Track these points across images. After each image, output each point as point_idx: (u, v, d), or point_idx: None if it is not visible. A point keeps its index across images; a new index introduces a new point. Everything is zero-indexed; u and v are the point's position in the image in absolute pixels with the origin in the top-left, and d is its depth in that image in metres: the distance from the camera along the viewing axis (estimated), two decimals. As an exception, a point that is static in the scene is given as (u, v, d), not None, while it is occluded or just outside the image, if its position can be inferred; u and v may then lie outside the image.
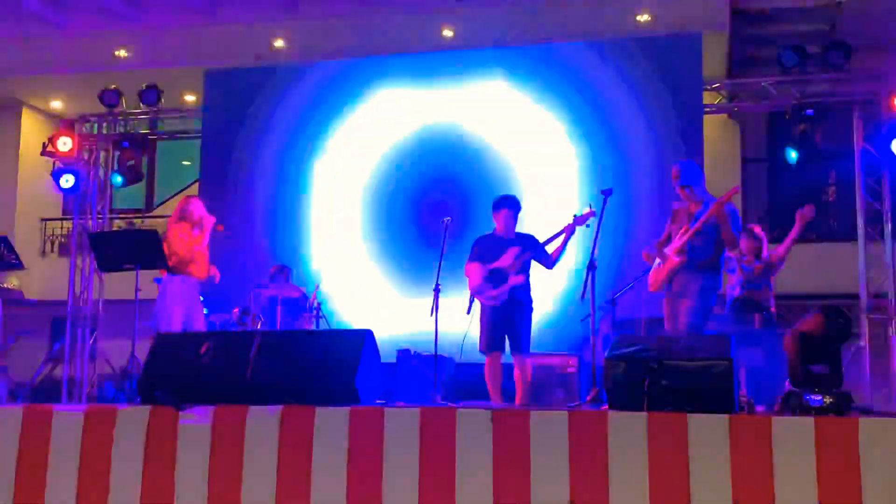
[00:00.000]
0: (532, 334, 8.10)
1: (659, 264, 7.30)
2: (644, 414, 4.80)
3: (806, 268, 12.34)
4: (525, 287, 7.98)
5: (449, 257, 8.05)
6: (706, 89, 11.23)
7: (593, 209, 7.84)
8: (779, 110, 11.51)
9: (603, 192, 7.48)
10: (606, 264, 7.76)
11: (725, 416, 4.68)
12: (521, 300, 7.95)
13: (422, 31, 12.16)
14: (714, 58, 11.87)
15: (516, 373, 7.87)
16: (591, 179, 10.87)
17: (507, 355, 7.96)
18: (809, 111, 10.79)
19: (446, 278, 7.98)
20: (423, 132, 11.71)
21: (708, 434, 4.64)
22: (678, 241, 7.13)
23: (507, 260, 7.97)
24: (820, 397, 5.17)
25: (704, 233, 7.03)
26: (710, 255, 7.08)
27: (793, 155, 10.72)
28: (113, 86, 12.59)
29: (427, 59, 11.95)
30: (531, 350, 8.17)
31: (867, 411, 5.33)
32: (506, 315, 7.92)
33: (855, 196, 10.94)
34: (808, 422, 4.60)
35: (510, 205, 8.18)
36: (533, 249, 8.04)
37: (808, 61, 10.68)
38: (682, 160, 7.64)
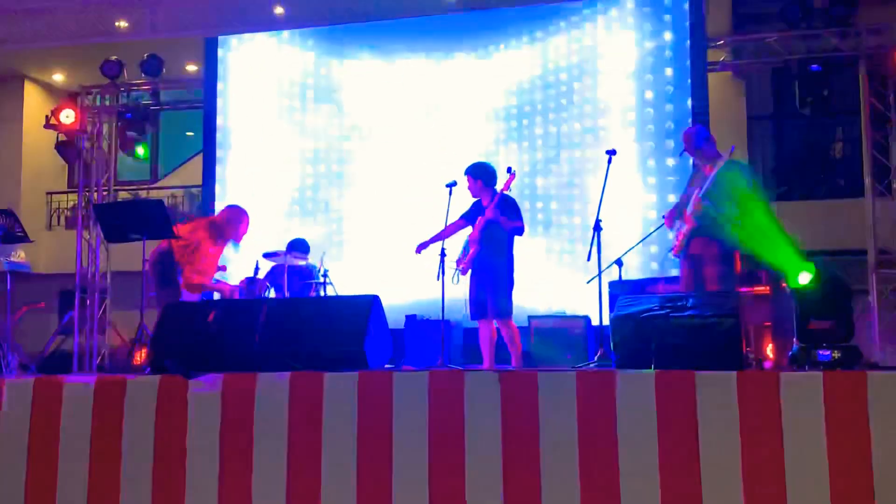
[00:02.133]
0: (540, 296, 8.12)
1: (679, 228, 7.26)
2: (652, 372, 4.81)
3: (813, 225, 12.31)
4: (487, 254, 7.97)
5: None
6: (710, 46, 11.15)
7: (513, 173, 7.92)
8: (784, 66, 11.43)
9: (608, 152, 7.49)
10: (612, 225, 7.72)
11: (733, 373, 4.68)
12: (485, 268, 7.96)
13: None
14: (717, 14, 11.78)
15: (504, 338, 7.91)
16: (595, 140, 10.84)
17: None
18: (815, 66, 10.73)
19: (452, 242, 8.01)
20: (426, 97, 11.67)
21: (716, 391, 4.64)
22: (693, 205, 7.10)
23: (474, 230, 8.01)
24: (829, 352, 5.18)
25: (715, 194, 6.99)
26: (723, 216, 6.98)
27: (808, 101, 10.66)
28: (114, 57, 12.57)
29: (430, 22, 11.89)
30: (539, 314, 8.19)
31: (875, 366, 5.33)
32: (477, 283, 7.99)
33: (862, 152, 10.90)
34: (817, 376, 4.60)
35: (468, 172, 8.17)
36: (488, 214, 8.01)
37: (812, 16, 10.62)
38: (687, 129, 7.62)
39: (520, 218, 7.98)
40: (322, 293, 9.57)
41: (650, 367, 4.97)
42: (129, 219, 7.16)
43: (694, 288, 7.03)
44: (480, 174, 8.14)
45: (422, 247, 8.04)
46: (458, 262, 8.08)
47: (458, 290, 8.08)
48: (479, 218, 7.94)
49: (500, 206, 7.89)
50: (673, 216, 7.39)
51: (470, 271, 8.05)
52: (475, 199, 8.19)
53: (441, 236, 8.00)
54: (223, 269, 8.75)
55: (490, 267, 7.95)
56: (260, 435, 5.23)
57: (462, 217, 8.16)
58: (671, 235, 7.49)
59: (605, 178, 7.40)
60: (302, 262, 9.80)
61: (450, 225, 8.04)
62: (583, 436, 4.76)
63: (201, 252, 7.97)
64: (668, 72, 10.78)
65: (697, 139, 7.30)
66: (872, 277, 10.57)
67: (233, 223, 8.37)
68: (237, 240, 8.41)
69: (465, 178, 8.13)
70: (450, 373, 5.19)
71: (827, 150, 14.42)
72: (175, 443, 5.31)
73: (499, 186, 8.00)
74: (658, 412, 4.67)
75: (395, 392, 5.08)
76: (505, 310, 7.91)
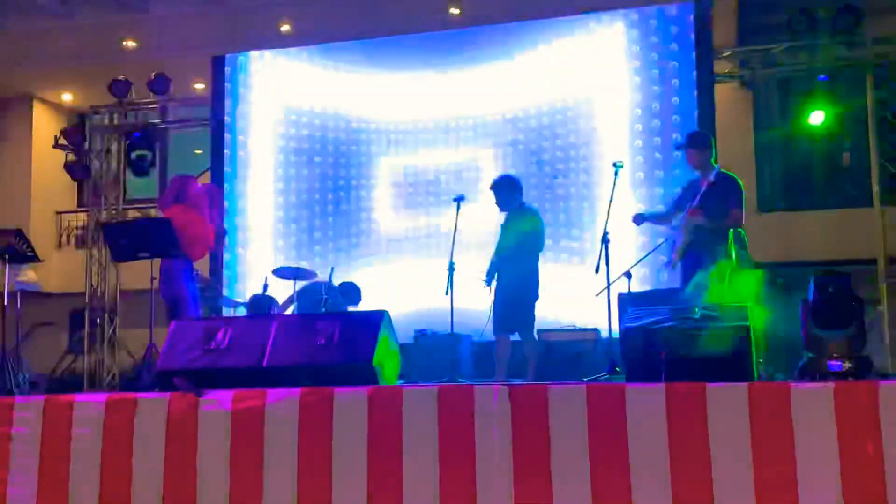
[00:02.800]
0: (550, 309, 8.13)
1: (676, 240, 7.24)
2: (662, 385, 4.79)
3: (823, 234, 12.30)
4: (507, 269, 7.98)
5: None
6: (716, 57, 11.16)
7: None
8: (790, 77, 11.43)
9: (614, 164, 7.49)
10: (621, 237, 7.72)
11: (744, 385, 4.67)
12: (505, 283, 8.03)
13: (428, 10, 12.08)
14: (724, 25, 11.79)
15: (526, 352, 7.99)
16: (602, 151, 10.84)
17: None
18: (822, 77, 10.73)
19: (460, 255, 8.03)
20: (434, 113, 11.69)
21: (727, 403, 4.63)
22: (687, 216, 7.07)
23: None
24: (840, 362, 5.15)
25: (706, 207, 6.98)
26: (717, 225, 6.97)
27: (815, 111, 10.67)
28: (122, 76, 12.62)
29: (435, 38, 11.92)
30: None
31: (887, 375, 5.30)
32: (503, 297, 8.10)
33: (870, 161, 10.88)
34: (828, 387, 4.58)
35: (492, 187, 8.26)
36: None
37: (818, 26, 10.60)
38: (694, 130, 7.62)
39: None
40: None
41: (661, 380, 4.95)
42: (137, 238, 7.16)
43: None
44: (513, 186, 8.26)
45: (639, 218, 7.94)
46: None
47: (466, 303, 8.09)
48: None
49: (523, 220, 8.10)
50: (646, 220, 7.56)
51: (494, 285, 8.11)
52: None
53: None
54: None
55: (517, 281, 7.99)
56: (270, 451, 5.22)
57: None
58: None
59: (613, 190, 7.40)
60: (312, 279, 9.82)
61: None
62: (593, 449, 4.75)
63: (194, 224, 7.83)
64: (675, 83, 10.79)
65: (701, 139, 7.28)
66: (883, 287, 10.54)
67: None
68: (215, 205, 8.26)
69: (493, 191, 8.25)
70: (459, 388, 5.18)
71: (835, 160, 14.39)
72: (186, 460, 5.30)
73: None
74: (669, 424, 4.65)
75: (406, 407, 5.07)
76: (532, 324, 8.01)
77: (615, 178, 7.40)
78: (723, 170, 7.15)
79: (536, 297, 8.12)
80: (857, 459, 4.45)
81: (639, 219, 7.63)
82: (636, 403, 4.75)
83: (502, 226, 8.19)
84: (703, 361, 5.06)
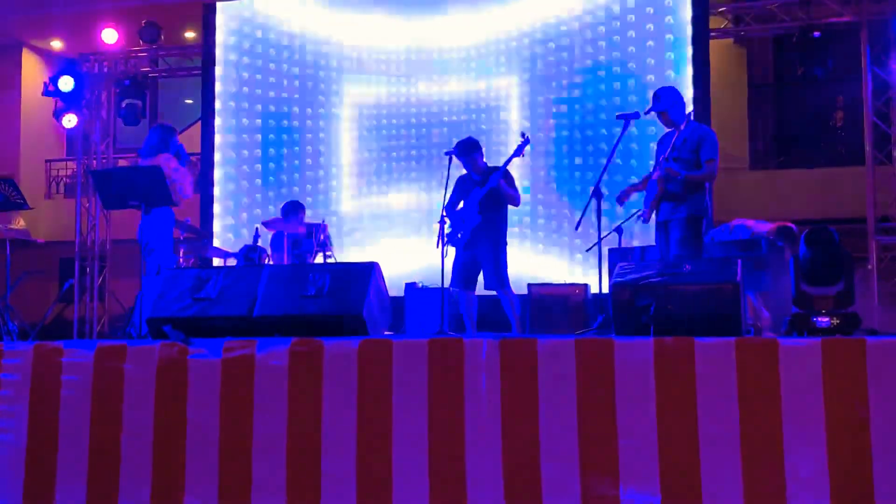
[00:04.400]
0: (538, 264, 8.14)
1: (651, 194, 7.18)
2: (650, 339, 4.81)
3: (814, 192, 12.32)
4: (485, 224, 8.00)
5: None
6: (712, 14, 11.09)
7: (527, 136, 8.06)
8: (785, 33, 11.39)
9: (623, 116, 7.37)
10: (612, 193, 7.71)
11: (732, 340, 4.68)
12: (493, 240, 8.03)
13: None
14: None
15: (504, 306, 8.00)
16: (595, 107, 10.82)
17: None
18: (816, 34, 10.69)
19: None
20: (424, 64, 11.63)
21: (715, 358, 4.65)
22: (659, 169, 7.05)
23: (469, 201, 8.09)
24: (828, 319, 5.17)
25: (680, 159, 6.95)
26: (690, 176, 6.91)
27: (809, 69, 10.66)
28: (112, 24, 12.50)
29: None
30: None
31: (874, 332, 5.32)
32: (472, 252, 8.09)
33: (863, 119, 10.87)
34: (815, 343, 4.60)
35: (455, 151, 8.19)
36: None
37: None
38: (659, 88, 7.50)
39: (517, 190, 8.16)
40: (323, 259, 9.59)
41: (649, 334, 4.97)
42: (127, 186, 7.11)
43: (664, 254, 7.03)
44: (471, 149, 8.19)
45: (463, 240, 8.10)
46: (455, 234, 8.10)
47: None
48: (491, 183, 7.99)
49: (505, 177, 7.98)
50: (628, 193, 7.42)
51: (457, 240, 8.10)
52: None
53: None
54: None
55: (489, 236, 8.00)
56: (260, 401, 5.24)
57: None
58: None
59: (617, 142, 7.29)
60: (302, 230, 9.80)
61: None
62: (581, 401, 4.77)
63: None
64: (669, 37, 10.74)
65: (666, 99, 7.16)
66: (872, 244, 10.58)
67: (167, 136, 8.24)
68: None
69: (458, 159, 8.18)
70: (449, 341, 5.19)
71: (828, 118, 14.39)
72: (176, 409, 5.32)
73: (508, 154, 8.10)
74: (657, 379, 4.67)
75: (395, 359, 5.09)
76: (504, 279, 8.00)
77: (623, 131, 7.30)
78: (694, 121, 7.12)
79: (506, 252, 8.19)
80: (844, 416, 4.47)
81: (621, 197, 7.54)
82: (624, 357, 4.77)
83: (484, 184, 8.08)
84: (691, 316, 5.08)
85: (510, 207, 8.19)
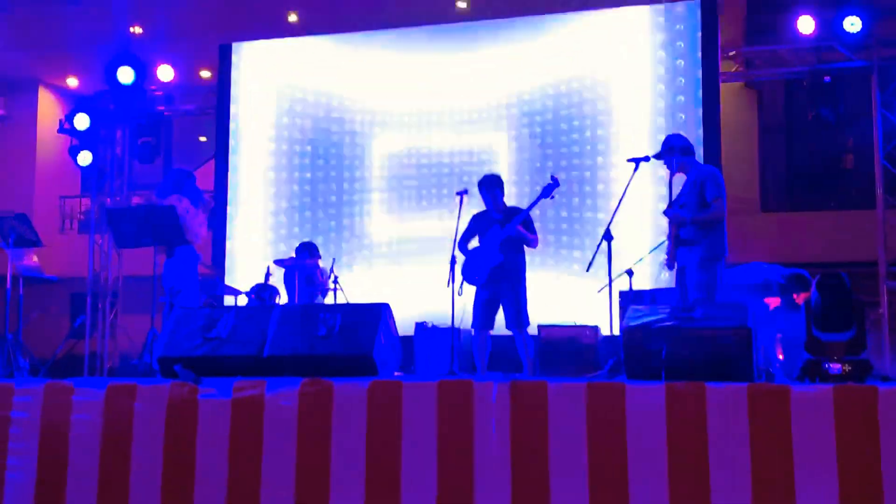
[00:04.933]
0: (550, 306, 8.12)
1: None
2: (662, 384, 4.80)
3: (824, 236, 12.31)
4: (507, 264, 8.00)
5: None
6: (723, 57, 11.16)
7: (556, 178, 8.03)
8: (796, 77, 11.44)
9: (634, 159, 7.39)
10: (623, 235, 7.70)
11: (744, 385, 4.67)
12: (514, 280, 8.02)
13: (435, 2, 12.08)
14: (731, 24, 11.78)
15: (519, 347, 7.98)
16: (606, 148, 10.85)
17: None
18: (827, 78, 10.74)
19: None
20: (438, 104, 11.69)
21: (726, 403, 4.63)
22: (672, 214, 7.04)
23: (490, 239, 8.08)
24: (839, 365, 5.15)
25: (688, 204, 6.95)
26: (698, 219, 6.87)
27: (820, 112, 10.67)
28: (128, 62, 12.60)
29: (440, 31, 11.92)
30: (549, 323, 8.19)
31: (887, 379, 5.31)
32: (493, 292, 8.06)
33: (873, 163, 10.89)
34: (827, 390, 4.59)
35: (478, 188, 8.24)
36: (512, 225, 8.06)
37: (825, 27, 10.60)
38: (669, 135, 7.51)
39: (535, 233, 8.20)
40: (332, 299, 9.62)
41: (660, 379, 4.96)
42: (140, 225, 7.15)
43: (682, 299, 7.00)
44: (495, 185, 8.22)
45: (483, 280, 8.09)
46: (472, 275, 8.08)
47: (468, 296, 8.10)
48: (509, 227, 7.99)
49: (525, 221, 8.05)
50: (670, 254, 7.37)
51: (475, 280, 8.09)
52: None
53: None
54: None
55: (510, 276, 7.99)
56: (269, 441, 5.23)
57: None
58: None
59: (628, 185, 7.31)
60: (313, 270, 9.84)
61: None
62: (592, 446, 4.76)
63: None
64: (681, 81, 10.80)
65: (672, 144, 7.17)
66: (883, 289, 10.55)
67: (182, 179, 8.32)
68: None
69: (480, 192, 8.20)
70: (458, 382, 5.18)
71: (838, 162, 14.40)
72: (185, 449, 5.31)
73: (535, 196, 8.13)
74: (668, 424, 4.66)
75: (405, 400, 5.08)
76: (524, 320, 8.01)
77: (633, 174, 7.32)
78: (701, 164, 7.12)
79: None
80: (855, 463, 4.45)
81: (670, 263, 7.45)
82: (636, 402, 4.75)
83: (505, 223, 8.10)
84: (703, 361, 5.06)
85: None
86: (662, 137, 10.42)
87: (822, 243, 12.38)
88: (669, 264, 7.17)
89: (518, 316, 7.99)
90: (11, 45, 14.03)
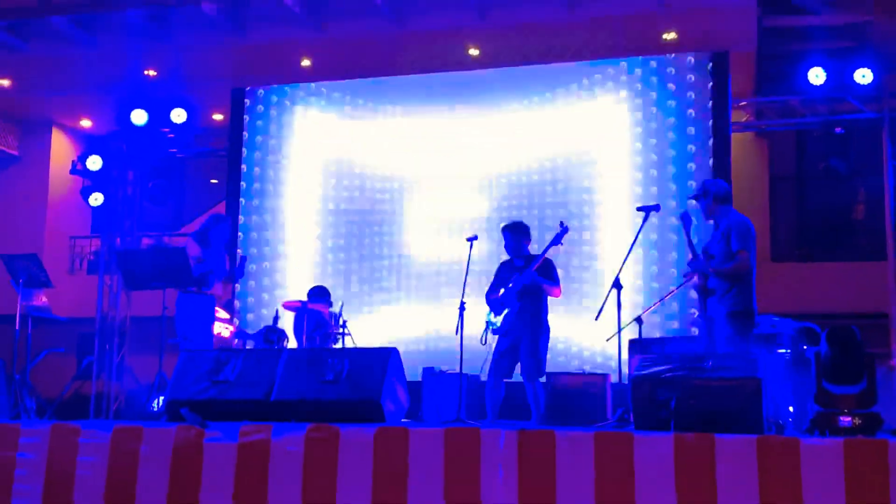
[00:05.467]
0: (559, 353, 8.07)
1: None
2: (671, 435, 4.77)
3: (835, 286, 12.27)
4: (523, 313, 7.98)
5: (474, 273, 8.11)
6: (734, 107, 11.20)
7: (565, 225, 8.01)
8: (807, 128, 11.47)
9: (644, 208, 7.38)
10: (632, 283, 7.71)
11: (753, 437, 4.64)
12: (533, 328, 7.98)
13: (446, 50, 12.16)
14: (741, 74, 11.83)
15: (530, 397, 7.93)
16: (616, 196, 10.87)
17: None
18: (839, 129, 10.76)
19: (471, 296, 8.02)
20: (448, 152, 11.74)
21: (735, 456, 4.60)
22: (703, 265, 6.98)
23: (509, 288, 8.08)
24: (850, 418, 5.12)
25: (716, 253, 6.85)
26: (723, 270, 6.76)
27: (831, 163, 10.69)
28: (141, 104, 12.70)
29: (451, 78, 12.01)
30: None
31: (897, 433, 5.27)
32: (513, 340, 8.02)
33: (884, 214, 10.88)
34: (837, 443, 4.56)
35: (504, 232, 8.26)
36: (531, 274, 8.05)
37: (836, 78, 10.64)
38: (709, 179, 7.51)
39: (558, 281, 8.11)
40: (340, 343, 9.60)
41: (669, 430, 4.93)
42: (150, 267, 7.17)
43: (708, 348, 6.91)
44: (522, 232, 8.22)
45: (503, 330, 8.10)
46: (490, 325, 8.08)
47: (476, 342, 8.09)
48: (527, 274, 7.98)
49: (542, 268, 8.00)
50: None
51: (500, 328, 8.07)
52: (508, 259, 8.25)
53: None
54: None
55: (528, 324, 7.95)
56: (274, 486, 5.21)
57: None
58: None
59: (638, 234, 7.30)
60: (323, 313, 9.83)
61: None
62: (599, 497, 4.72)
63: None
64: (691, 131, 10.84)
65: (705, 189, 7.04)
66: (894, 341, 10.50)
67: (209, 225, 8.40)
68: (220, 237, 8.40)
69: (504, 235, 8.20)
70: (465, 430, 5.16)
71: (849, 212, 14.40)
72: (189, 493, 5.29)
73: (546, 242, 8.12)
74: (677, 476, 4.63)
75: (412, 448, 5.06)
76: (542, 370, 7.97)
77: (643, 222, 7.32)
78: (734, 213, 7.03)
79: (547, 343, 8.14)
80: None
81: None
82: (644, 452, 4.73)
83: (523, 270, 8.08)
84: (712, 412, 5.03)
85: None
86: (673, 186, 10.58)
87: (832, 294, 12.33)
88: (700, 311, 7.08)
89: (536, 366, 7.93)
90: (27, 85, 14.15)
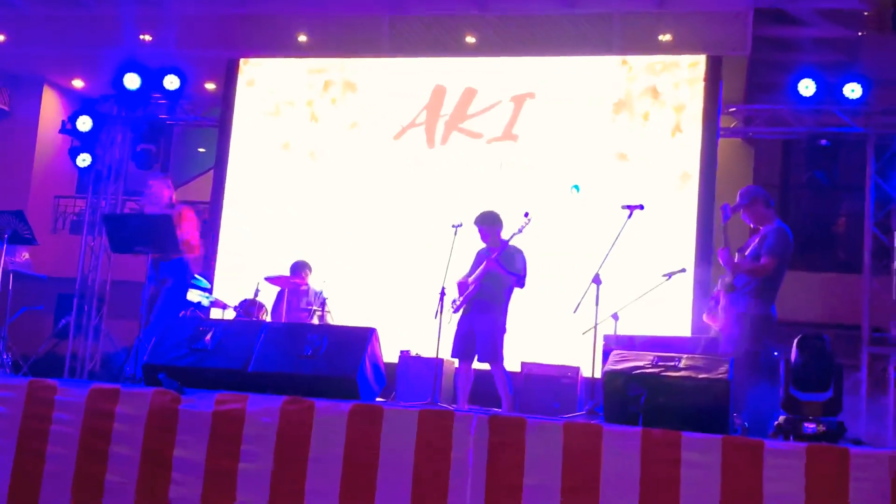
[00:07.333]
0: (534, 344, 8.15)
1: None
2: (639, 429, 4.86)
3: (810, 296, 12.39)
4: (485, 298, 8.08)
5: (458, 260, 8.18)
6: (723, 112, 11.30)
7: (528, 216, 8.12)
8: (794, 138, 11.58)
9: (629, 206, 7.49)
10: (610, 279, 7.77)
11: (719, 437, 4.74)
12: (482, 311, 8.11)
13: (446, 35, 12.18)
14: (732, 81, 11.92)
15: (497, 382, 8.04)
16: (605, 197, 10.93)
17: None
18: (824, 141, 10.86)
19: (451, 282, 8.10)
20: (435, 134, 11.79)
21: (700, 453, 4.69)
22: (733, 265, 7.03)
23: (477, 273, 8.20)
24: (814, 425, 5.21)
25: (750, 254, 6.97)
26: (745, 271, 6.91)
27: (814, 175, 10.78)
28: (135, 68, 12.68)
29: (446, 64, 12.05)
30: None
31: (859, 442, 5.37)
32: (469, 324, 8.16)
33: (863, 229, 11.00)
34: (800, 448, 4.66)
35: (476, 225, 8.35)
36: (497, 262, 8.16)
37: (825, 91, 10.74)
38: (748, 187, 7.51)
39: (523, 269, 8.15)
40: (317, 321, 9.65)
41: (638, 424, 5.02)
42: (136, 232, 7.19)
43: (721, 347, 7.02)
44: (493, 222, 8.28)
45: (458, 308, 8.21)
46: (454, 302, 8.20)
47: (454, 327, 8.20)
48: (488, 260, 8.07)
49: (503, 256, 8.08)
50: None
51: (462, 311, 8.18)
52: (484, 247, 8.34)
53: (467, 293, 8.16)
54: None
55: (487, 308, 8.06)
56: (246, 455, 5.27)
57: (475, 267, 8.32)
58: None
59: (620, 231, 7.40)
60: (303, 289, 9.88)
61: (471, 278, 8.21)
62: (566, 484, 4.81)
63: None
64: (680, 132, 10.91)
65: (744, 198, 7.16)
66: (864, 354, 10.63)
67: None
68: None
69: (477, 227, 8.28)
70: (439, 413, 5.23)
71: (830, 224, 14.54)
72: (162, 456, 5.35)
73: (509, 232, 8.16)
74: (642, 468, 4.72)
75: (384, 426, 5.13)
76: (498, 354, 8.03)
77: (627, 220, 7.42)
78: (777, 219, 7.11)
79: (505, 329, 8.26)
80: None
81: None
82: (612, 444, 4.82)
83: (492, 258, 8.17)
84: (681, 410, 5.13)
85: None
86: (658, 186, 10.63)
87: (808, 304, 12.46)
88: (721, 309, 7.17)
89: (491, 347, 8.05)
90: (20, 41, 14.09)
